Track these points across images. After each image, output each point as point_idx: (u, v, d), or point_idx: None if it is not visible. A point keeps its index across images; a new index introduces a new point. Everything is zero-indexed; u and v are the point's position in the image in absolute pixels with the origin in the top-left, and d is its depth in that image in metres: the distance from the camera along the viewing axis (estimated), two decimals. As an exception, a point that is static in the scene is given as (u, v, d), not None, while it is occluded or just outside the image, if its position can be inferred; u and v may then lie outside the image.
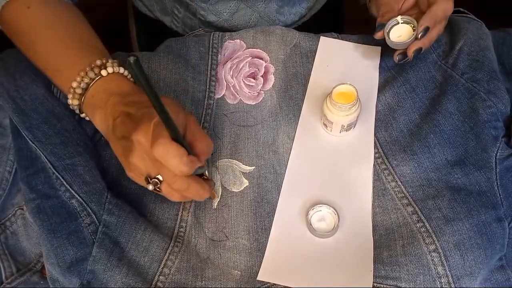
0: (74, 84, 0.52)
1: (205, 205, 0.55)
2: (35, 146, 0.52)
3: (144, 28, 0.88)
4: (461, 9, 0.65)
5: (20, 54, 0.57)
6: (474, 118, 0.57)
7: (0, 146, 0.57)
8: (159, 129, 0.44)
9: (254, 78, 0.64)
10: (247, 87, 0.64)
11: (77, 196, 0.51)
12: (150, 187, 0.47)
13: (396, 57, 0.60)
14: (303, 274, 0.51)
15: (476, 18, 0.65)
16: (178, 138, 0.45)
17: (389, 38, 0.59)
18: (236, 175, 0.57)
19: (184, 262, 0.51)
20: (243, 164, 0.58)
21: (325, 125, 0.60)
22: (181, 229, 0.54)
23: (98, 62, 0.52)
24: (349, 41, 0.68)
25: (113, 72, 0.53)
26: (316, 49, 0.67)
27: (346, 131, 0.59)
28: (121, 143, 0.47)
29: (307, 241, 0.53)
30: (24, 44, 0.56)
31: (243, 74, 0.65)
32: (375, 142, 0.59)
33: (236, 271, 0.52)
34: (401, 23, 0.59)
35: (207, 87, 0.63)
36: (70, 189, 0.51)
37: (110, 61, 0.53)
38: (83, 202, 0.51)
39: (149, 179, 0.47)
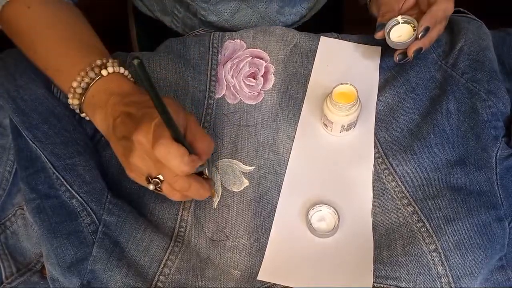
0: (75, 84, 0.52)
1: (205, 205, 0.55)
2: (35, 146, 0.52)
3: (144, 28, 0.88)
4: (461, 9, 0.65)
5: (20, 54, 0.57)
6: (474, 118, 0.57)
7: (0, 146, 0.57)
8: (160, 130, 0.44)
9: (254, 78, 0.64)
10: (247, 87, 0.64)
11: (77, 196, 0.51)
12: (151, 187, 0.47)
13: (396, 57, 0.60)
14: (303, 274, 0.51)
15: (476, 18, 0.65)
16: (179, 138, 0.45)
17: (389, 38, 0.59)
18: (236, 175, 0.57)
19: (184, 262, 0.51)
20: (243, 164, 0.58)
21: (325, 125, 0.60)
22: (181, 229, 0.54)
23: (99, 62, 0.52)
24: (349, 41, 0.68)
25: (114, 72, 0.53)
26: (316, 49, 0.67)
27: (346, 131, 0.59)
28: (122, 143, 0.47)
29: (307, 241, 0.53)
30: (24, 44, 0.56)
31: (243, 74, 0.65)
32: (375, 142, 0.59)
33: (236, 271, 0.52)
34: (402, 23, 0.59)
35: (207, 87, 0.63)
36: (70, 189, 0.51)
37: (110, 61, 0.53)
38: (83, 202, 0.51)
39: (150, 179, 0.47)
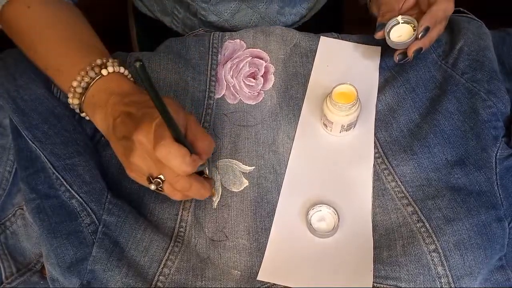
0: (75, 84, 0.52)
1: (205, 205, 0.55)
2: (35, 146, 0.52)
3: (144, 28, 0.88)
4: (461, 9, 0.65)
5: (20, 54, 0.57)
6: (474, 118, 0.57)
7: (0, 146, 0.57)
8: (161, 130, 0.44)
9: (254, 78, 0.64)
10: (247, 87, 0.64)
11: (77, 196, 0.51)
12: (153, 187, 0.47)
13: (396, 57, 0.60)
14: (303, 274, 0.51)
15: (476, 18, 0.65)
16: (180, 138, 0.45)
17: (389, 38, 0.59)
18: (236, 175, 0.57)
19: (184, 262, 0.51)
20: (243, 164, 0.58)
21: (325, 125, 0.60)
22: (181, 229, 0.54)
23: (99, 62, 0.52)
24: (349, 41, 0.68)
25: (114, 71, 0.53)
26: (316, 49, 0.67)
27: (346, 131, 0.59)
28: (122, 143, 0.47)
29: (307, 241, 0.53)
30: (24, 44, 0.56)
31: (243, 74, 0.65)
32: (375, 142, 0.59)
33: (236, 271, 0.52)
34: (402, 23, 0.59)
35: (207, 87, 0.63)
36: (70, 189, 0.51)
37: (110, 60, 0.53)
38: (83, 202, 0.51)
39: (151, 179, 0.47)
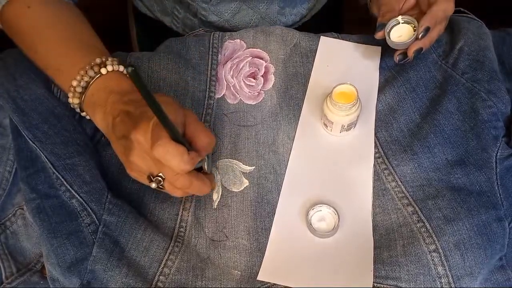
0: (74, 83, 0.52)
1: (205, 205, 0.55)
2: (35, 146, 0.52)
3: (144, 28, 0.88)
4: (461, 9, 0.65)
5: (20, 54, 0.57)
6: (474, 118, 0.57)
7: (0, 146, 0.57)
8: (158, 129, 0.44)
9: (254, 78, 0.64)
10: (247, 87, 0.64)
11: (77, 196, 0.51)
12: (153, 185, 0.47)
13: (397, 57, 0.60)
14: (303, 274, 0.51)
15: (476, 18, 0.65)
16: (177, 137, 0.45)
17: (389, 38, 0.59)
18: (236, 175, 0.57)
19: (184, 262, 0.51)
20: (243, 164, 0.58)
21: (325, 125, 0.60)
22: (181, 229, 0.54)
23: (98, 61, 0.53)
24: (349, 41, 0.68)
25: (113, 70, 0.53)
26: (316, 49, 0.67)
27: (346, 131, 0.59)
28: (121, 142, 0.47)
29: (307, 241, 0.53)
30: (25, 44, 0.56)
31: (243, 74, 0.65)
32: (375, 142, 0.59)
33: (236, 271, 0.52)
34: (402, 23, 0.59)
35: (207, 87, 0.63)
36: (70, 189, 0.51)
37: (109, 59, 0.53)
38: (83, 202, 0.51)
39: (151, 177, 0.47)
